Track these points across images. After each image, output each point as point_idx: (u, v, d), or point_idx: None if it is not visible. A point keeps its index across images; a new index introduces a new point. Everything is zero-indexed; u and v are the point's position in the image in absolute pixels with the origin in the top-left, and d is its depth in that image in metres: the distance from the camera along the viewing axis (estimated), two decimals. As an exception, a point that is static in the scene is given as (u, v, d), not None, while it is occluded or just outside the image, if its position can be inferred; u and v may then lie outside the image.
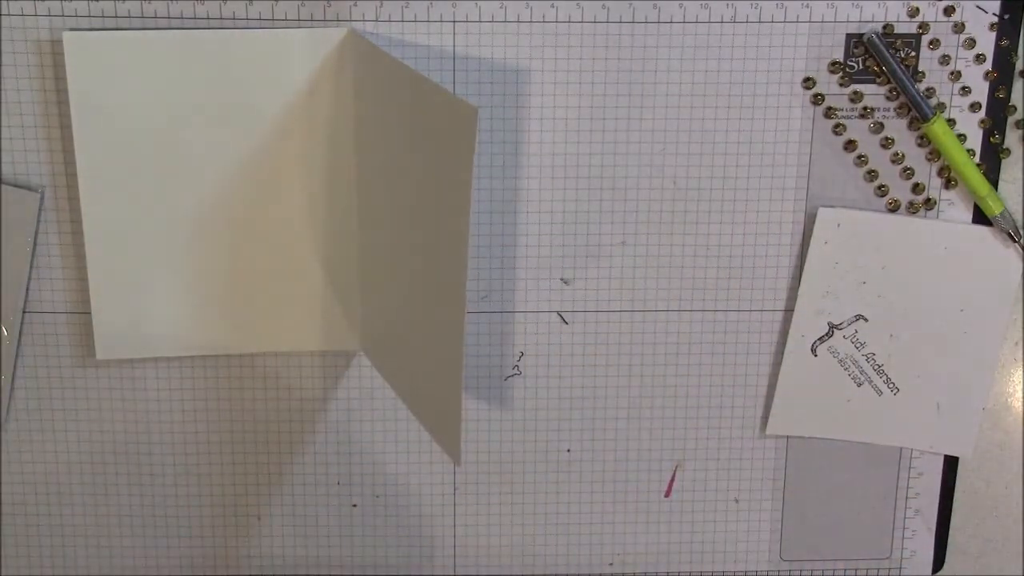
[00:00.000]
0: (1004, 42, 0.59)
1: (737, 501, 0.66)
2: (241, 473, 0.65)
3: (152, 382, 0.63)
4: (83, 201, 0.58)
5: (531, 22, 0.58)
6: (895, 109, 0.60)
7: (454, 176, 0.48)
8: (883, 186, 0.61)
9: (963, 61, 0.59)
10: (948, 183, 0.61)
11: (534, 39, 0.58)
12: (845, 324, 0.63)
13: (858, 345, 0.63)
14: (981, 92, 0.60)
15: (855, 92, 0.60)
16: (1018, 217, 0.61)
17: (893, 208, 0.61)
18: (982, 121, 0.60)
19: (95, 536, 0.65)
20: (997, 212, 0.60)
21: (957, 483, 0.66)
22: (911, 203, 0.61)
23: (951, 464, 0.65)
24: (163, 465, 0.64)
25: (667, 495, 0.66)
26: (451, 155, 0.48)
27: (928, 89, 0.60)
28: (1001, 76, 0.60)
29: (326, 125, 0.58)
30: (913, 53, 0.59)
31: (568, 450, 0.65)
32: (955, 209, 0.62)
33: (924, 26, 0.59)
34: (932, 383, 0.63)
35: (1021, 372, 0.64)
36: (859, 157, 0.61)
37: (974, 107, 0.60)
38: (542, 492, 0.66)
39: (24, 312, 0.61)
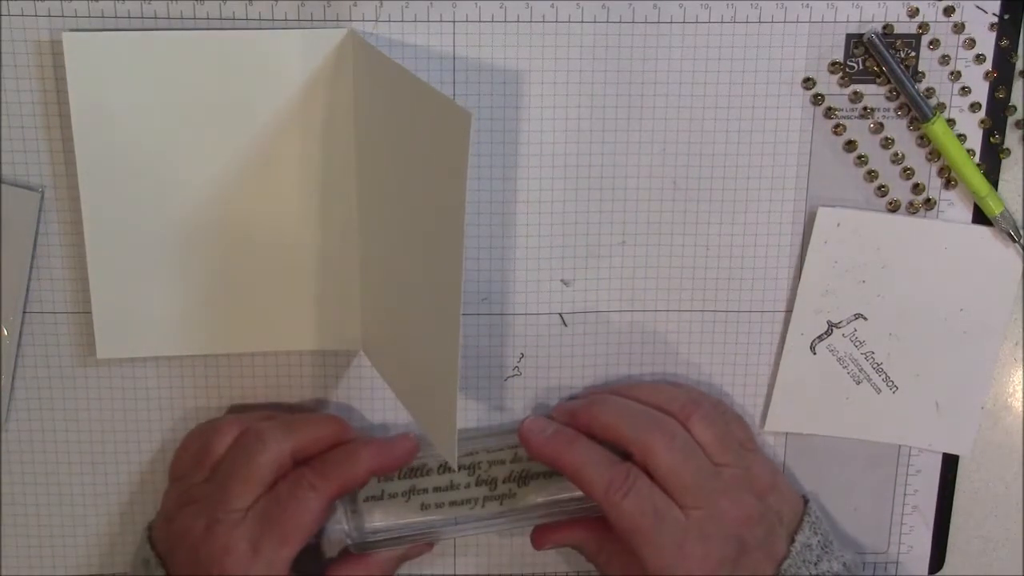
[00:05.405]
0: (1004, 42, 0.59)
1: (737, 500, 0.66)
2: (241, 472, 0.65)
3: (152, 382, 0.63)
4: (83, 201, 0.58)
5: (531, 22, 0.58)
6: (895, 109, 0.60)
7: (449, 179, 0.48)
8: (883, 186, 0.61)
9: (963, 61, 0.59)
10: (948, 183, 0.61)
11: (534, 39, 0.58)
12: (844, 323, 0.63)
13: (857, 344, 0.63)
14: (981, 92, 0.60)
15: (855, 92, 0.60)
16: (1018, 217, 0.61)
17: (893, 208, 0.61)
18: (982, 121, 0.60)
19: (95, 536, 0.65)
20: (997, 212, 0.60)
21: (957, 483, 0.66)
22: (911, 203, 0.61)
23: (949, 462, 0.65)
24: (164, 464, 0.64)
25: (667, 494, 0.66)
26: (446, 159, 0.48)
27: (928, 89, 0.60)
28: (1001, 76, 0.60)
29: (326, 125, 0.58)
30: (913, 53, 0.59)
31: (568, 449, 0.65)
32: (955, 209, 0.62)
33: (924, 26, 0.59)
34: (931, 382, 0.64)
35: (1021, 372, 0.64)
36: (859, 157, 0.61)
37: (974, 107, 0.60)
38: (542, 491, 0.66)
39: (24, 312, 0.61)
